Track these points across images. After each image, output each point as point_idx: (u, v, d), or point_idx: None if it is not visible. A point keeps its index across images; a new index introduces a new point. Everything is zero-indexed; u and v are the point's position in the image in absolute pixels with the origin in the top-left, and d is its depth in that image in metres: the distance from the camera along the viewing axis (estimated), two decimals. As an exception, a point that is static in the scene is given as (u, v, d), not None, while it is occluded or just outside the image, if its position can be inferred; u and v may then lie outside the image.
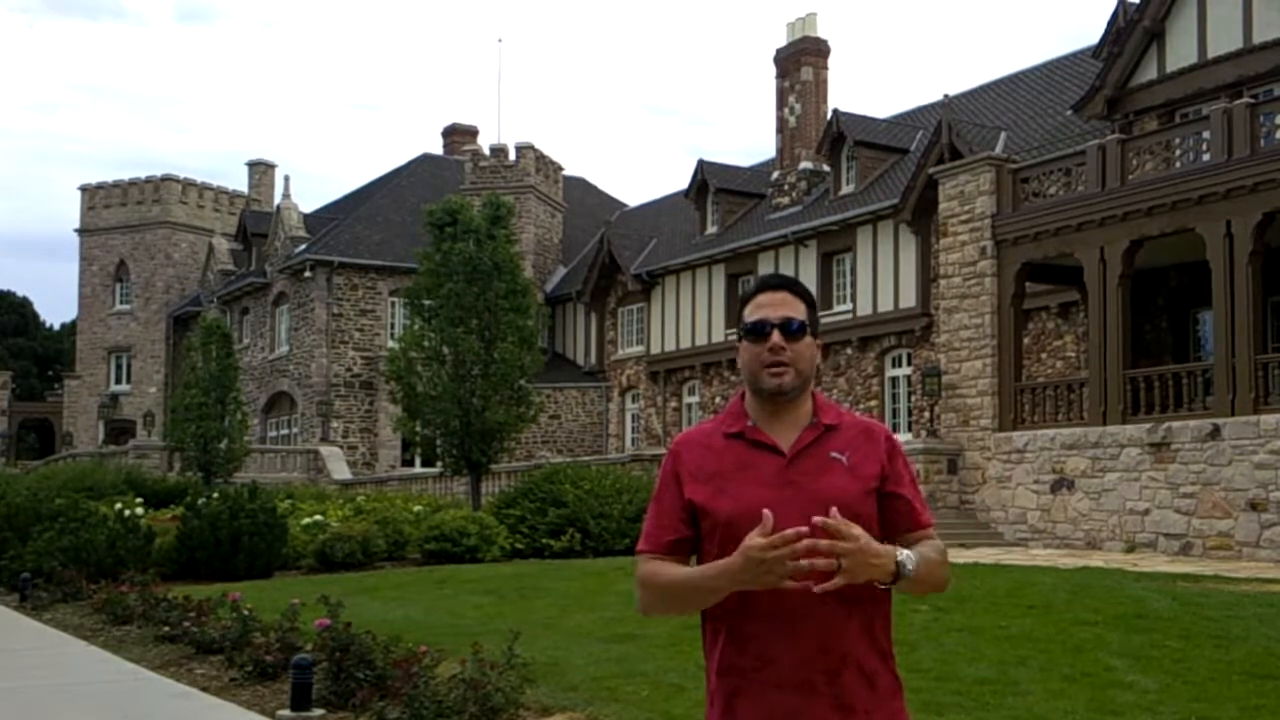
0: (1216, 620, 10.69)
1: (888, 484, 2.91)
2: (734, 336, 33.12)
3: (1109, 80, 26.03)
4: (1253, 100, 20.57)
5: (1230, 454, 18.90)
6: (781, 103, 39.02)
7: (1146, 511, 19.99)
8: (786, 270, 36.10)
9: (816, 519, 2.65)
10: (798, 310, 2.95)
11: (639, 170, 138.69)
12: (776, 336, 2.91)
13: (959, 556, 16.82)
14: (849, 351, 33.63)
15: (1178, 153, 21.25)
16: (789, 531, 2.61)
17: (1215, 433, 19.13)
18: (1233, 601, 11.97)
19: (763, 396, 2.93)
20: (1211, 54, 24.21)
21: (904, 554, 2.76)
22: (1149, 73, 25.56)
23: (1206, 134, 20.61)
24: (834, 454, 2.88)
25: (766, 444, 2.89)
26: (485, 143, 49.89)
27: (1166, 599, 11.96)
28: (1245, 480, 18.62)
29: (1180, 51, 24.90)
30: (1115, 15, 28.98)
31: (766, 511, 2.65)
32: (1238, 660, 9.00)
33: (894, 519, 2.92)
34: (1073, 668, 8.78)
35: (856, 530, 2.66)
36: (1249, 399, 19.01)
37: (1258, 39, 23.39)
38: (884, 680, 2.86)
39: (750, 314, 2.98)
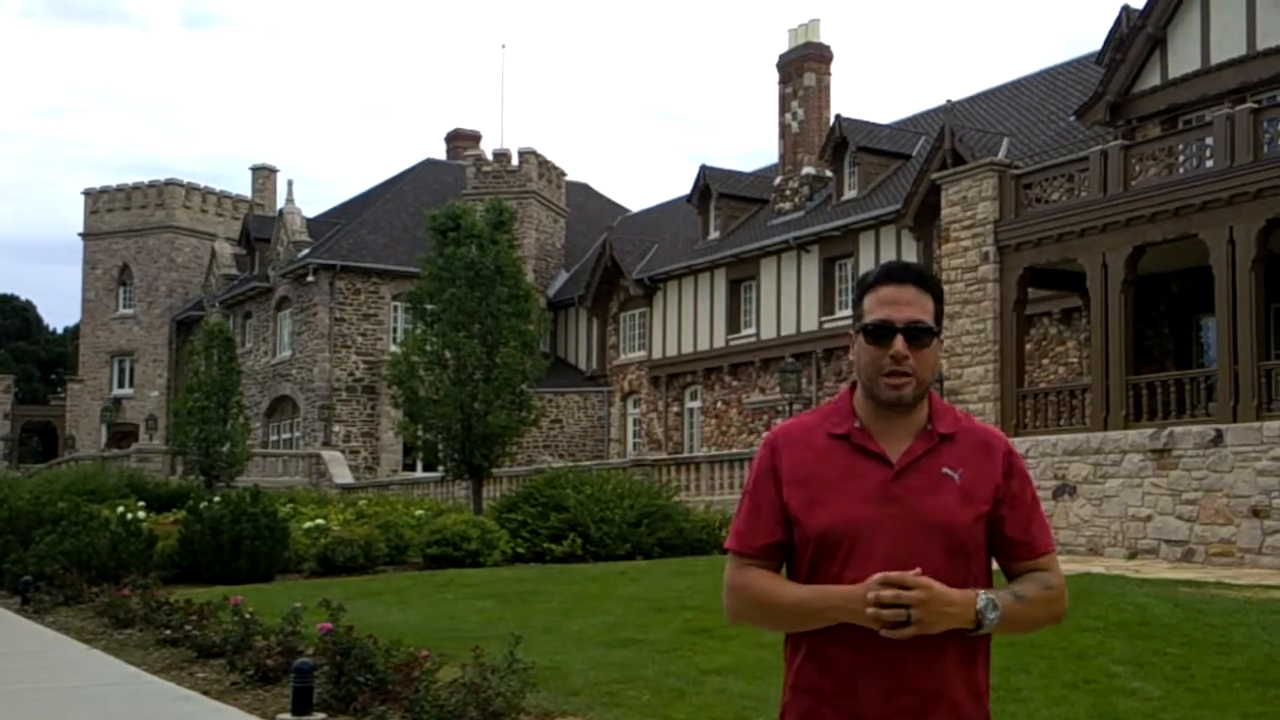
0: (1219, 627, 10.67)
1: (1000, 507, 2.63)
2: (736, 341, 33.04)
3: (1112, 86, 26.04)
4: (1256, 106, 20.55)
5: (1233, 460, 18.86)
6: (784, 108, 39.04)
7: (1149, 518, 19.95)
8: (789, 276, 36.11)
9: (876, 575, 2.47)
10: (925, 309, 2.64)
11: (641, 175, 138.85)
12: (900, 344, 2.61)
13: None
14: (852, 358, 33.54)
15: (1181, 159, 21.24)
16: (893, 575, 2.46)
17: (1218, 439, 19.10)
18: (1235, 608, 11.95)
19: (877, 403, 2.66)
20: (1215, 60, 24.21)
21: (985, 600, 2.53)
22: (1152, 79, 25.57)
23: (1209, 140, 20.59)
24: (946, 470, 2.61)
25: (873, 452, 2.63)
26: (488, 148, 49.99)
27: (1169, 606, 11.93)
28: (1248, 487, 18.58)
29: (1183, 57, 24.91)
30: (1118, 22, 28.99)
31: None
32: (1240, 667, 8.98)
33: (1004, 548, 2.68)
34: (1075, 674, 8.77)
35: (924, 581, 2.46)
36: (1251, 405, 18.98)
37: (1261, 45, 23.39)
38: None
39: (871, 309, 2.67)
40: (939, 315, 2.68)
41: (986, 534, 2.66)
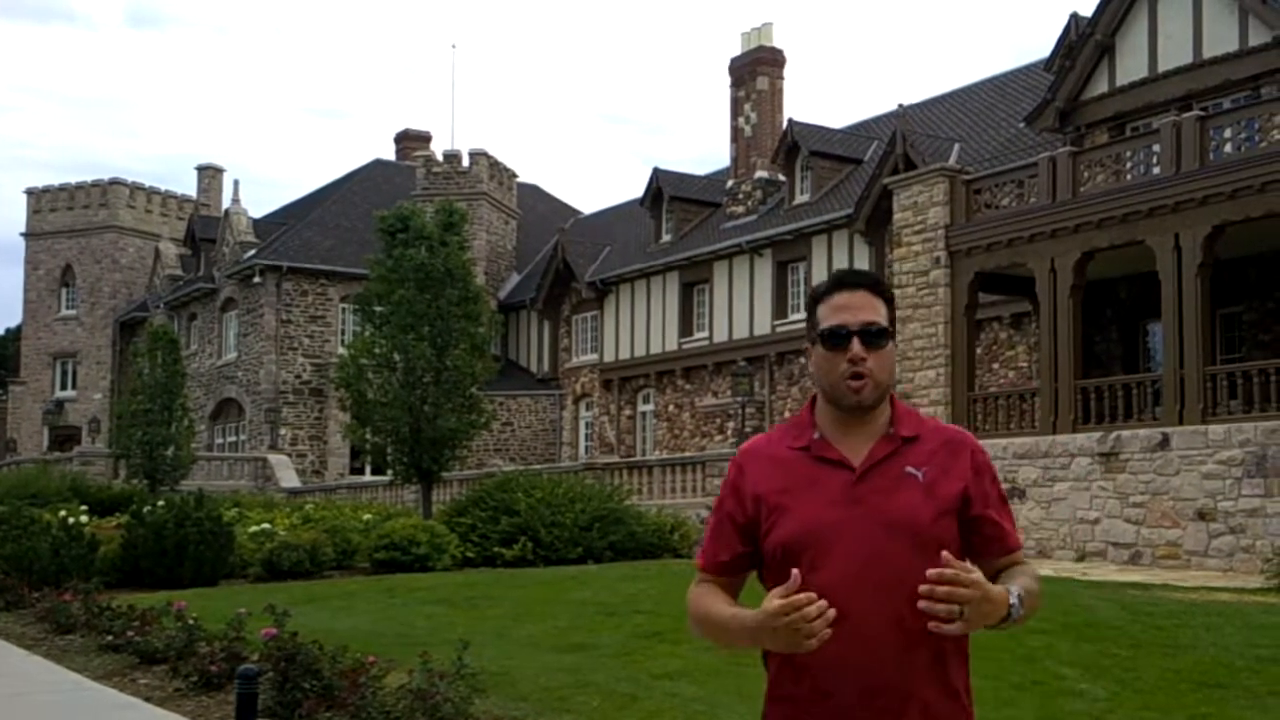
0: (1165, 629, 10.75)
1: (974, 506, 2.67)
2: (689, 345, 32.97)
3: (1061, 93, 26.28)
4: (1202, 114, 20.80)
5: (1179, 464, 19.07)
6: (737, 112, 39.12)
7: (1096, 521, 20.13)
8: (741, 279, 36.18)
9: (931, 572, 2.46)
10: (878, 313, 2.70)
11: (593, 178, 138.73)
12: (857, 346, 2.65)
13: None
14: (803, 360, 33.72)
15: (1128, 165, 21.46)
16: (800, 596, 2.43)
17: (1164, 443, 19.30)
18: (1181, 610, 12.06)
19: (839, 409, 2.70)
20: (1162, 68, 24.50)
21: (1015, 595, 2.58)
22: (1100, 86, 25.83)
23: (1156, 147, 20.82)
24: (909, 469, 2.65)
25: (833, 459, 2.67)
26: (438, 149, 49.71)
27: (1116, 608, 12.02)
28: (1194, 490, 18.78)
29: (1131, 65, 25.18)
30: (1067, 29, 29.29)
31: (795, 571, 2.48)
32: (1186, 669, 9.04)
33: (983, 544, 2.71)
34: (1023, 676, 8.79)
35: (976, 575, 2.49)
36: (1197, 409, 19.20)
37: (1208, 54, 23.68)
38: None
39: (825, 317, 2.71)
40: (892, 319, 2.75)
41: (961, 532, 2.68)
